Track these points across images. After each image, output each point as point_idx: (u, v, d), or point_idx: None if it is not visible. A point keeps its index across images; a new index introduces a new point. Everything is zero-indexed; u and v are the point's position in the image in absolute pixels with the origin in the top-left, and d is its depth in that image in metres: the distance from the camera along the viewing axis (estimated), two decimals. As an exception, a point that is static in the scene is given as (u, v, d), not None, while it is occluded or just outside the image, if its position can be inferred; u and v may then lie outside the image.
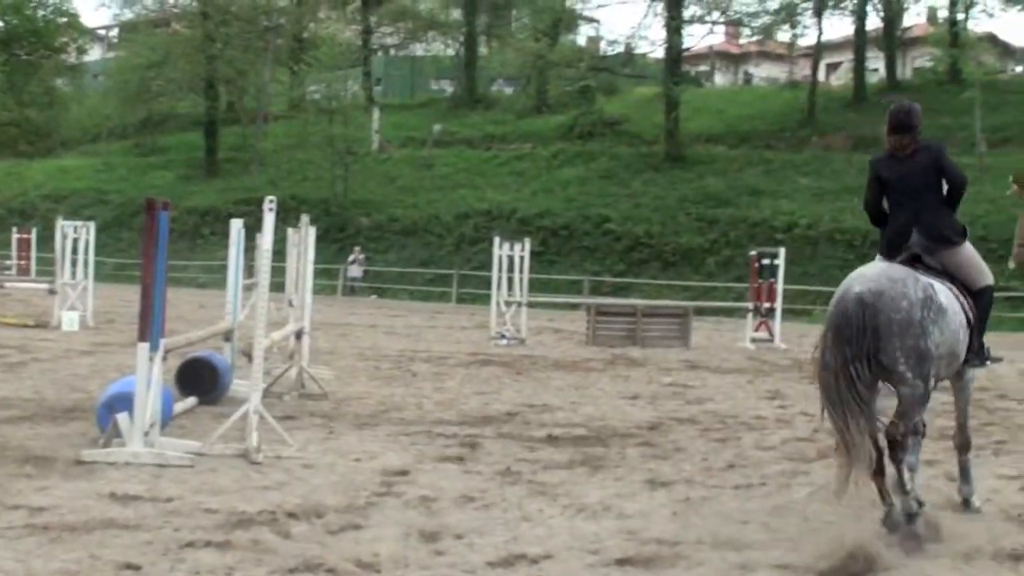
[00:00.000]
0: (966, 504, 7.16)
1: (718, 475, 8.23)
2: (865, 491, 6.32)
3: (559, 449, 9.12)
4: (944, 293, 6.48)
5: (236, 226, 11.29)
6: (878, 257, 6.98)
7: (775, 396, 13.39)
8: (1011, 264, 7.34)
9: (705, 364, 17.56)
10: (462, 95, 57.23)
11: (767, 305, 22.05)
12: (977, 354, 6.87)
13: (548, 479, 7.85)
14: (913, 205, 6.81)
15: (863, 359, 6.23)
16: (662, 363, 17.44)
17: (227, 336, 11.42)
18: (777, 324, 21.94)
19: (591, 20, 60.48)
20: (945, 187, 6.92)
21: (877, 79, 52.21)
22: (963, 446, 7.28)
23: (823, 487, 7.79)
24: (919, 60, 57.08)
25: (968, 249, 6.97)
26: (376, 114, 51.06)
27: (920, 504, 6.35)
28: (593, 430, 10.23)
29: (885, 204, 7.09)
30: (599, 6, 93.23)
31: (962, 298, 6.66)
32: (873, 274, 6.43)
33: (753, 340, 21.62)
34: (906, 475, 6.37)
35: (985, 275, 7.01)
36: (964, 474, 7.27)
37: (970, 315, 6.67)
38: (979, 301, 6.85)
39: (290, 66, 52.22)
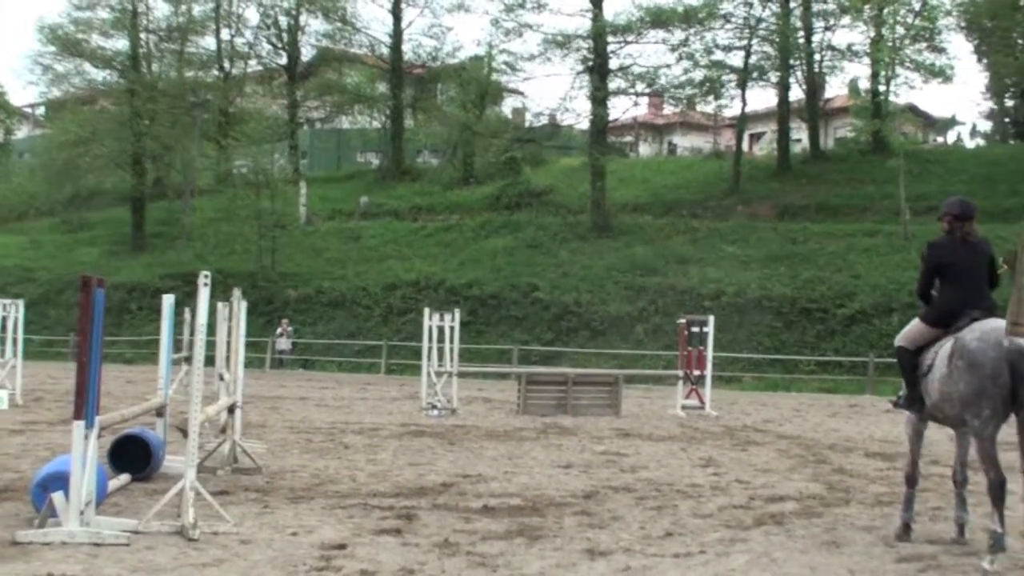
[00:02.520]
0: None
1: (657, 543, 8.25)
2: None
3: (496, 520, 9.10)
4: None
5: (168, 301, 11.21)
6: (920, 322, 8.52)
7: (709, 463, 13.47)
8: (1005, 342, 7.84)
9: (637, 432, 17.63)
10: (388, 167, 57.39)
11: (697, 372, 22.25)
12: None
13: (487, 550, 7.83)
14: (974, 285, 8.24)
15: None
16: (594, 431, 17.48)
17: (159, 412, 11.29)
18: (707, 391, 22.12)
19: (516, 92, 61.13)
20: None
21: (800, 149, 53.25)
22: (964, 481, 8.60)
23: (763, 554, 7.87)
24: (841, 130, 58.28)
25: None
26: (303, 187, 51.03)
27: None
28: (529, 500, 10.22)
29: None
30: (525, 79, 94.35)
31: None
32: (1003, 322, 7.61)
33: (684, 407, 21.76)
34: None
35: None
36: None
37: None
38: None
39: (217, 141, 52.09)
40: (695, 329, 22.68)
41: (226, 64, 59.39)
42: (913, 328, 8.61)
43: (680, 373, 22.71)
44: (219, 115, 54.88)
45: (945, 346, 8.03)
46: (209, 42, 59.01)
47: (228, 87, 57.39)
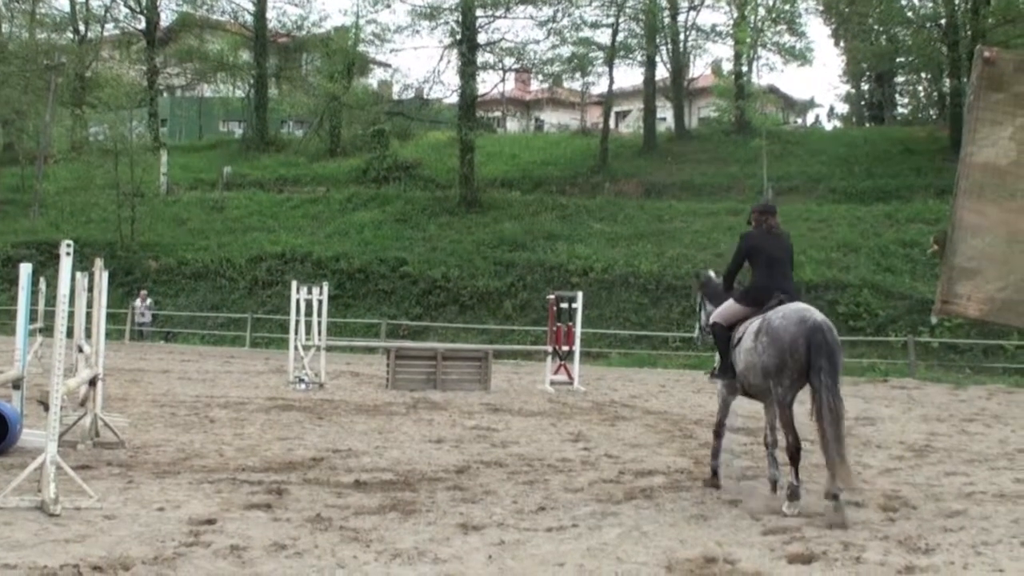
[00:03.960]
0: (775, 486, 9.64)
1: (529, 518, 8.26)
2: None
3: (368, 494, 9.02)
4: None
5: (25, 271, 10.78)
6: (734, 302, 9.78)
7: (578, 438, 13.54)
8: (933, 319, 8.66)
9: (507, 407, 17.65)
10: (252, 137, 56.49)
11: (566, 348, 22.32)
12: None
13: (360, 525, 7.76)
14: (780, 270, 9.57)
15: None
16: (464, 406, 17.46)
17: (16, 384, 10.87)
18: (576, 367, 22.22)
19: (384, 64, 60.71)
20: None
21: (665, 128, 53.98)
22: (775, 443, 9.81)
23: (634, 528, 7.93)
24: (705, 110, 59.33)
25: None
26: (163, 156, 49.84)
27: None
28: (401, 474, 10.15)
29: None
30: (392, 51, 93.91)
31: None
32: (806, 306, 9.05)
33: (552, 383, 21.83)
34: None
35: None
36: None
37: None
38: None
39: (72, 106, 50.54)
40: (564, 305, 22.74)
41: (81, 27, 57.70)
42: (728, 307, 9.87)
43: (549, 349, 22.78)
44: (74, 80, 53.27)
45: (754, 324, 9.35)
46: (63, 3, 57.35)
47: (83, 51, 55.73)
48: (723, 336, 9.82)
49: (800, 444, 8.97)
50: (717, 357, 10.16)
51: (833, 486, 8.41)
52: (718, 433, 10.35)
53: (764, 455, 10.09)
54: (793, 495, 8.83)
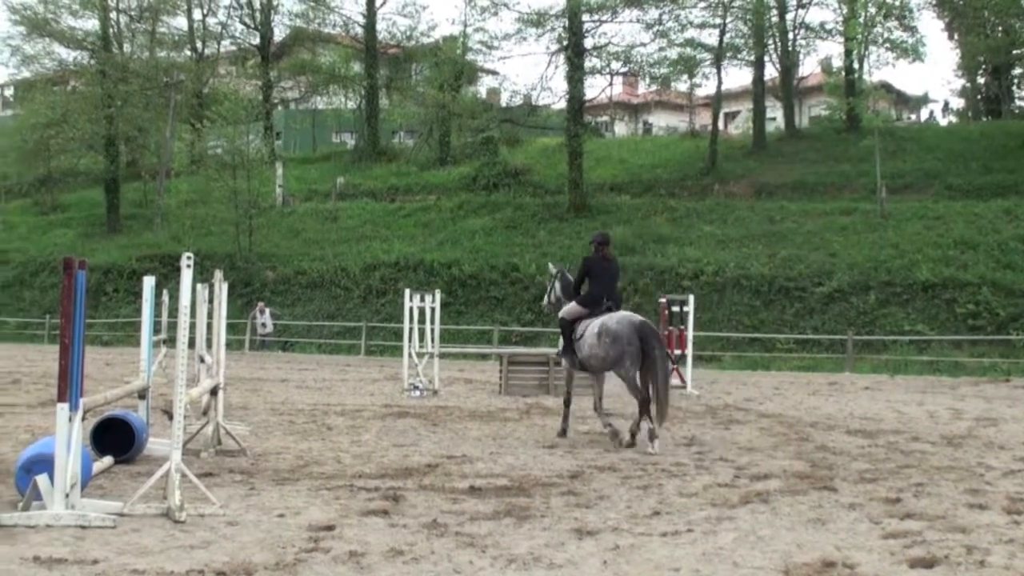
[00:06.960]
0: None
1: (644, 522, 8.23)
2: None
3: (483, 500, 9.07)
4: None
5: (149, 283, 11.08)
6: (576, 304, 13.60)
7: (692, 442, 13.47)
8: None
9: (619, 411, 17.55)
10: (364, 148, 57.26)
11: (678, 352, 22.19)
12: None
13: (475, 530, 7.80)
14: (610, 286, 13.57)
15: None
16: (576, 411, 17.38)
17: (142, 394, 11.19)
18: (688, 370, 22.11)
19: (491, 72, 61.09)
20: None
21: (775, 127, 53.33)
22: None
23: (750, 532, 7.87)
24: (816, 108, 58.48)
25: None
26: (279, 168, 50.80)
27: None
28: (515, 480, 10.19)
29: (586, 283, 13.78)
30: (500, 58, 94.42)
31: None
32: (630, 313, 13.20)
33: (665, 387, 21.72)
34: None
35: None
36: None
37: None
38: None
39: (191, 122, 51.82)
40: (675, 308, 22.64)
41: (199, 44, 59.15)
42: (571, 308, 13.63)
43: (661, 352, 22.69)
44: (193, 96, 54.59)
45: (593, 324, 13.04)
46: (181, 22, 58.87)
47: (201, 68, 57.06)
48: (567, 328, 13.57)
49: (648, 398, 12.63)
50: (561, 341, 13.79)
51: (659, 427, 12.55)
52: (567, 402, 14.07)
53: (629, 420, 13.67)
54: (652, 436, 12.41)
